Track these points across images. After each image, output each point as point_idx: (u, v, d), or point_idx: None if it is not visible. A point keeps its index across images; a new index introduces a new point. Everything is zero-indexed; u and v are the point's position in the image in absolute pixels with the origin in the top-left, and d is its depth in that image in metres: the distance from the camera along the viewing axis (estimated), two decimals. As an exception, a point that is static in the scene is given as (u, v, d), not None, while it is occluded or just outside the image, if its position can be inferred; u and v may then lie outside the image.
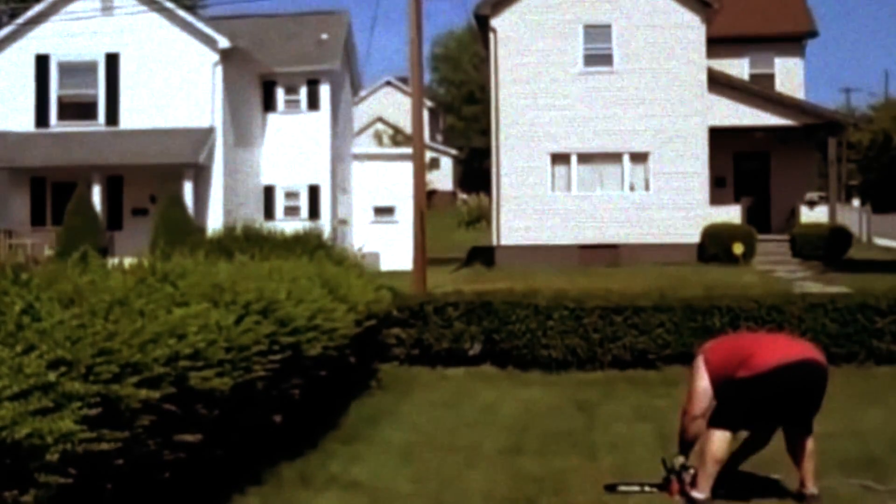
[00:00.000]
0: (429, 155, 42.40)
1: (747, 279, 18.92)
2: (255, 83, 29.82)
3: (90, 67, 26.80)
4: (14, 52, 27.11)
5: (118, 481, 4.62)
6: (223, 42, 26.51)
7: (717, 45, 26.51)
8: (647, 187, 25.41)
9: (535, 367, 11.07)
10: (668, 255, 24.08)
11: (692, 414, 6.11)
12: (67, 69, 26.89)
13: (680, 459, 6.20)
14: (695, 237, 24.62)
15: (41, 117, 26.92)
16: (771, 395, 5.89)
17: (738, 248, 23.75)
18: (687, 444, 6.21)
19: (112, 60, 26.72)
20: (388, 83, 64.52)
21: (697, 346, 6.54)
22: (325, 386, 8.25)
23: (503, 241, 25.56)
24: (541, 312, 11.11)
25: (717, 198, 25.98)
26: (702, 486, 5.89)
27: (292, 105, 30.41)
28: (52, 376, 4.21)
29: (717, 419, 5.99)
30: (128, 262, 7.02)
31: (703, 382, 6.06)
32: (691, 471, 6.09)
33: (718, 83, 25.95)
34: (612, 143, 25.28)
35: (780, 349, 6.02)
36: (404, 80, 52.66)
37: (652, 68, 25.21)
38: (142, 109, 26.32)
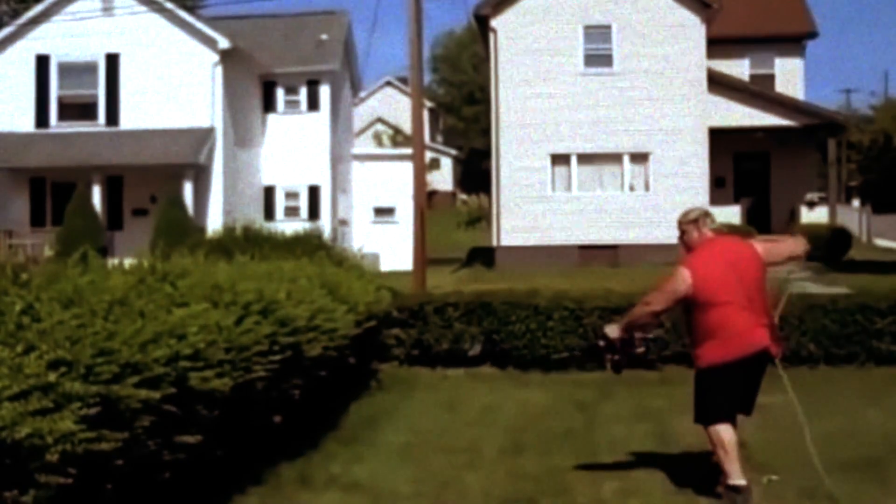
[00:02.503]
0: (429, 155, 42.41)
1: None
2: (255, 83, 29.83)
3: (90, 67, 26.81)
4: (14, 52, 27.11)
5: (118, 481, 4.62)
6: (223, 42, 26.52)
7: (717, 45, 26.52)
8: (647, 187, 25.41)
9: (535, 368, 11.08)
10: (668, 256, 23.87)
11: (652, 308, 6.26)
12: (67, 69, 26.89)
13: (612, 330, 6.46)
14: (695, 237, 24.57)
15: (41, 117, 26.92)
16: (732, 384, 6.01)
17: (738, 249, 23.68)
18: (630, 324, 6.41)
19: (112, 60, 26.72)
20: (388, 83, 64.53)
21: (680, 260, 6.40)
22: (325, 386, 8.25)
23: (503, 242, 25.56)
24: (541, 312, 11.11)
25: (717, 198, 25.98)
26: (733, 473, 5.91)
27: (292, 105, 30.42)
28: (52, 376, 4.21)
29: (700, 417, 6.09)
30: (128, 262, 7.02)
31: (681, 288, 6.04)
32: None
33: (718, 83, 25.96)
34: (612, 143, 25.29)
35: (744, 333, 5.99)
36: (404, 81, 52.66)
37: (652, 68, 25.21)
38: (142, 109, 26.33)
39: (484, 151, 44.31)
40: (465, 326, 11.27)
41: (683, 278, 6.08)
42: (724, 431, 5.93)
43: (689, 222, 6.37)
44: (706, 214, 6.47)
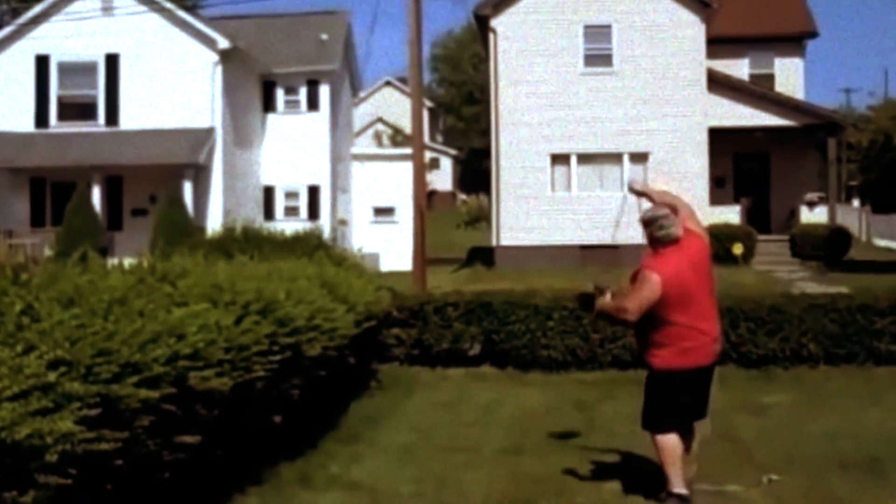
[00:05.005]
0: (429, 155, 42.42)
1: (747, 280, 18.91)
2: (255, 83, 29.82)
3: (90, 68, 26.79)
4: (14, 52, 27.09)
5: (118, 481, 4.62)
6: (223, 42, 26.50)
7: (717, 45, 26.50)
8: (647, 187, 25.37)
9: (535, 368, 11.07)
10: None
11: (628, 313, 6.17)
12: (67, 69, 26.87)
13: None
14: (695, 237, 24.54)
15: (41, 117, 26.91)
16: (686, 391, 6.10)
17: (737, 249, 23.71)
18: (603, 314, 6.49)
19: (112, 61, 26.71)
20: (388, 83, 64.58)
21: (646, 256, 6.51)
22: (325, 386, 8.25)
23: (503, 242, 25.55)
24: (541, 312, 11.10)
25: (716, 198, 25.97)
26: (675, 481, 6.00)
27: (292, 105, 30.41)
28: (51, 376, 4.21)
29: (650, 424, 6.17)
30: (128, 262, 7.02)
31: (653, 297, 6.05)
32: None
33: (718, 83, 25.95)
34: (612, 143, 25.28)
35: (706, 340, 6.09)
36: (404, 80, 52.67)
37: (652, 68, 25.20)
38: (142, 109, 26.31)
39: (484, 151, 44.31)
40: (465, 326, 11.26)
41: (655, 281, 6.22)
42: (668, 446, 6.07)
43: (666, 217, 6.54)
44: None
